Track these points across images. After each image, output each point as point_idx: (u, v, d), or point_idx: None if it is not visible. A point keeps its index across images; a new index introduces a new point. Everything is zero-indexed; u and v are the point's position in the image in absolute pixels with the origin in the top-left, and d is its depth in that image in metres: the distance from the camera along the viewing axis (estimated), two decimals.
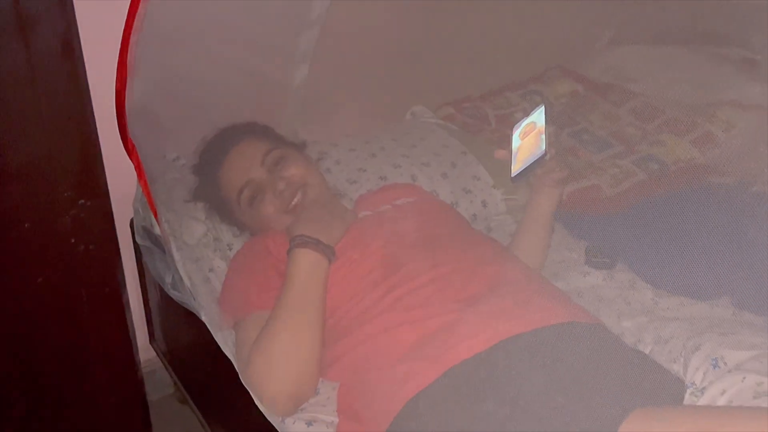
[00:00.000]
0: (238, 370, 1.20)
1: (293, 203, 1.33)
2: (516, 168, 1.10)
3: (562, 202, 1.62)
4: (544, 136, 1.09)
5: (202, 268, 1.42)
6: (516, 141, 1.15)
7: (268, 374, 1.12)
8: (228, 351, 1.27)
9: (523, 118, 1.16)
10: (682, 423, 0.81)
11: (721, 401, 0.94)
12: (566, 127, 1.89)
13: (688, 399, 0.98)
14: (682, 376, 1.02)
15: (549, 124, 1.12)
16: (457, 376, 1.00)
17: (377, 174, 1.64)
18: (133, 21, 1.16)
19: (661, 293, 1.35)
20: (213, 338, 1.30)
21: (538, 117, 1.13)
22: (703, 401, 0.95)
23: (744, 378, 0.94)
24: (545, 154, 1.07)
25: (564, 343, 1.00)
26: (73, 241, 1.08)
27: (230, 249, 1.48)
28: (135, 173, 1.32)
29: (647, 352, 1.15)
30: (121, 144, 1.30)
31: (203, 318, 1.33)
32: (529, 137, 1.13)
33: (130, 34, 1.17)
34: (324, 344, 1.17)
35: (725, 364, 0.98)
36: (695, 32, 2.01)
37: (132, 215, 1.62)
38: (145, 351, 1.84)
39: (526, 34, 1.92)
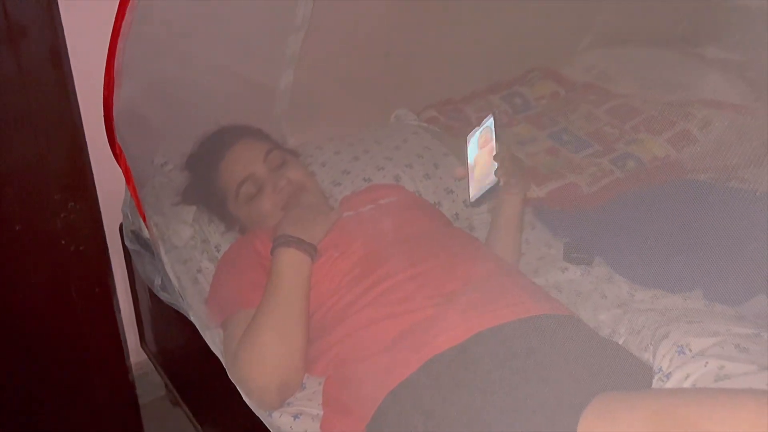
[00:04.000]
0: (225, 367, 1.23)
1: (289, 202, 1.36)
2: (474, 191, 1.14)
3: (541, 200, 1.66)
4: (494, 158, 1.12)
5: (191, 269, 1.45)
6: (473, 151, 1.18)
7: (255, 368, 1.15)
8: (216, 350, 1.29)
9: (475, 129, 1.20)
10: (642, 404, 0.85)
11: (686, 385, 0.98)
12: (546, 128, 1.93)
13: (655, 384, 1.02)
14: (651, 363, 1.06)
15: (499, 141, 1.14)
16: (435, 367, 1.03)
17: (361, 176, 1.67)
18: (119, 29, 1.19)
19: (637, 287, 1.39)
20: (203, 339, 1.33)
21: (490, 125, 1.17)
22: (669, 386, 1.00)
23: (707, 363, 0.98)
24: (497, 182, 1.11)
25: (537, 335, 1.04)
26: (63, 242, 1.11)
27: (218, 250, 1.51)
28: (123, 178, 1.35)
29: (621, 342, 1.19)
30: (110, 149, 1.33)
31: (192, 318, 1.36)
32: (483, 151, 1.16)
33: (116, 41, 1.21)
34: (309, 340, 1.21)
35: (690, 350, 1.03)
36: (673, 33, 2.05)
37: (121, 219, 1.65)
38: (136, 354, 1.87)
39: (509, 37, 1.96)
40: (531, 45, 2.10)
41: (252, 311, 1.21)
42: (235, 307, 1.25)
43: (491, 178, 1.11)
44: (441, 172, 1.72)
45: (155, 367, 1.83)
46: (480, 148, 1.17)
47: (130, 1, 1.14)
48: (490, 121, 1.17)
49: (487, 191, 1.12)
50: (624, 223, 1.53)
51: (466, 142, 1.21)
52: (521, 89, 2.09)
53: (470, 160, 1.18)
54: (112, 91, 1.25)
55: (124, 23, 1.18)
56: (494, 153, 1.13)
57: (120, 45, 1.21)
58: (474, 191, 1.14)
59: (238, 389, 1.20)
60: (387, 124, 1.96)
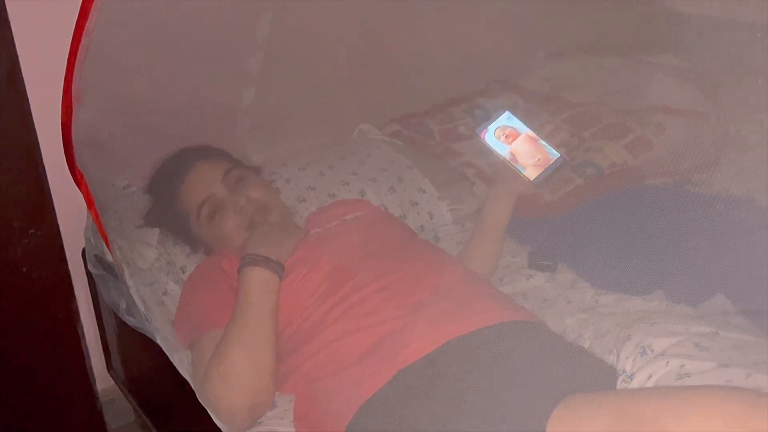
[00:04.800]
0: (194, 388, 1.22)
1: (253, 221, 1.36)
2: (537, 173, 1.23)
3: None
4: (543, 143, 1.23)
5: (156, 291, 1.44)
6: (499, 145, 1.24)
7: (225, 389, 1.15)
8: (184, 372, 1.29)
9: (485, 123, 1.26)
10: (608, 404, 0.87)
11: (648, 385, 1.00)
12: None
13: (620, 385, 1.04)
14: (615, 365, 1.09)
15: (538, 130, 1.24)
16: (406, 378, 1.04)
17: (326, 192, 1.68)
18: (76, 53, 1.19)
19: (601, 291, 1.42)
20: (170, 362, 1.32)
21: (509, 121, 1.25)
22: (632, 386, 1.02)
23: (668, 362, 1.01)
24: (561, 158, 1.22)
25: (504, 341, 1.05)
26: (24, 270, 1.09)
27: (183, 272, 1.50)
28: (84, 203, 1.34)
29: (586, 346, 1.22)
30: (70, 174, 1.32)
31: (158, 341, 1.35)
32: (519, 141, 1.24)
33: (73, 66, 1.20)
34: (278, 358, 1.21)
35: (652, 351, 1.05)
36: (624, 43, 2.11)
37: (83, 245, 1.63)
38: (103, 380, 1.84)
39: (469, 51, 1.99)
40: (489, 58, 2.13)
41: (220, 331, 1.21)
42: (203, 328, 1.24)
43: (555, 156, 1.22)
44: (405, 185, 1.74)
45: (123, 392, 1.80)
46: (507, 142, 1.24)
47: (86, 26, 1.14)
48: (505, 116, 1.25)
49: (554, 169, 1.22)
50: (586, 229, 1.56)
51: (481, 140, 1.26)
52: (482, 101, 2.12)
53: (504, 153, 1.24)
54: (71, 116, 1.24)
55: (80, 47, 1.17)
56: (538, 139, 1.22)
57: (77, 69, 1.21)
58: (537, 172, 1.22)
59: (208, 411, 1.19)
60: (350, 139, 1.97)
